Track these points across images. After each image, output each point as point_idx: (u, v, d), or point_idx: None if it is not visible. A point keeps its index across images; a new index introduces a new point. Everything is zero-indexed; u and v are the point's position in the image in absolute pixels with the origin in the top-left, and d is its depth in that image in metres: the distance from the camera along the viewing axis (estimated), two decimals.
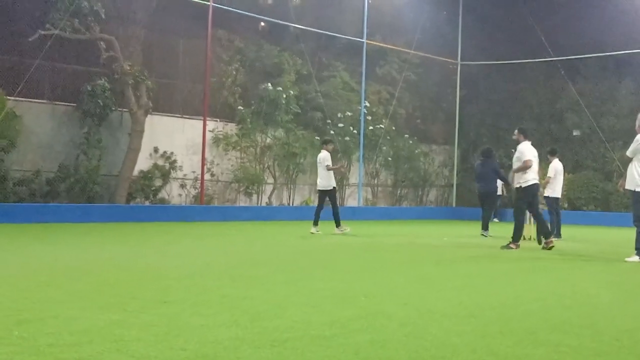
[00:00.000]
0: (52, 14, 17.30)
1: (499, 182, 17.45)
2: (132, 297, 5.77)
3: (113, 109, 18.48)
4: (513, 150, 13.76)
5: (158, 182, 19.73)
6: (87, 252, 9.70)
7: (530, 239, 14.39)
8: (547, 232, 12.16)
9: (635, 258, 9.95)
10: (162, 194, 19.82)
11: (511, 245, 11.87)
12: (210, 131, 20.67)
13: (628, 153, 10.18)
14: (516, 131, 12.44)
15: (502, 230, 15.86)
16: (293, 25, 22.64)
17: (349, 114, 23.93)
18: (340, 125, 23.52)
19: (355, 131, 23.84)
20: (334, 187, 15.21)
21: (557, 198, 15.44)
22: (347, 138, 23.74)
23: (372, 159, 25.23)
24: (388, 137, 25.41)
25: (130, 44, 19.25)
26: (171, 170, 20.04)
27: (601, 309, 5.95)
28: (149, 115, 19.12)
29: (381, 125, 24.94)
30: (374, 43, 24.73)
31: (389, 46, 25.68)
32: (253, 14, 21.74)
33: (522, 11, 25.69)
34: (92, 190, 17.91)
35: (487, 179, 15.72)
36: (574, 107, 25.36)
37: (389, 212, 24.64)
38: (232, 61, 21.77)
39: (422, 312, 5.48)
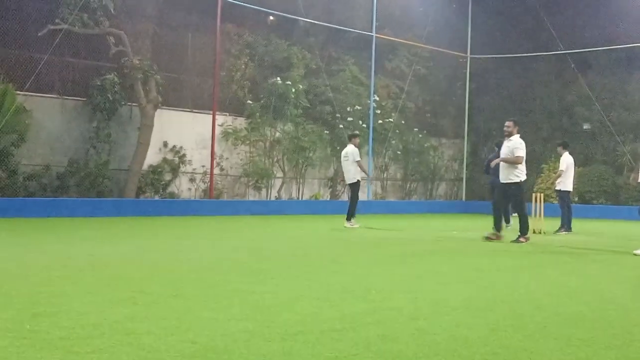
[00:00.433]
0: (62, 9, 17.33)
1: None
2: (142, 291, 5.78)
3: (122, 103, 18.51)
4: (500, 140, 13.63)
5: (167, 177, 19.76)
6: (98, 247, 9.72)
7: (540, 232, 14.37)
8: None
9: None
10: (172, 188, 19.85)
11: (521, 239, 11.90)
12: (219, 125, 20.68)
13: None
14: (511, 123, 12.15)
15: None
16: (302, 19, 22.61)
17: (358, 107, 23.90)
18: (350, 119, 23.49)
19: (364, 125, 23.81)
20: (358, 181, 15.41)
21: (569, 191, 15.45)
22: (356, 132, 23.68)
23: (381, 152, 25.20)
24: (397, 131, 25.37)
25: (140, 38, 19.27)
26: (180, 165, 20.06)
27: (612, 302, 5.93)
28: (158, 110, 19.14)
29: (390, 119, 24.90)
30: (383, 37, 24.67)
31: (398, 40, 25.60)
32: (262, 8, 21.71)
33: (532, 4, 25.59)
34: (102, 185, 17.96)
35: None
36: (584, 100, 25.23)
37: (399, 206, 24.61)
38: (241, 55, 21.75)
39: (432, 306, 5.47)
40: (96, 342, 3.98)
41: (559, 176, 15.21)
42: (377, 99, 24.55)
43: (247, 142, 21.56)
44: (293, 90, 21.92)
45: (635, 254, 9.92)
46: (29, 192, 16.86)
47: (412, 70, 25.90)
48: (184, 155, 20.14)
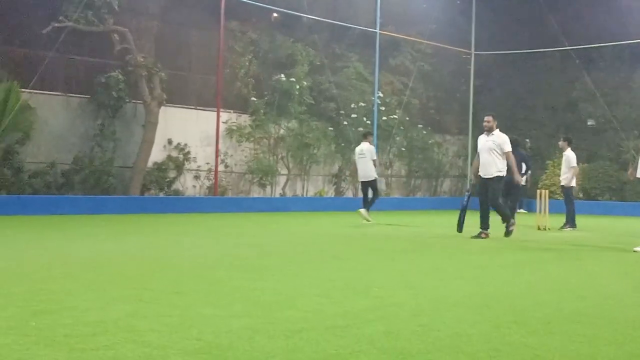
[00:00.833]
0: (66, 6, 17.36)
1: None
2: (145, 288, 5.80)
3: (127, 100, 18.54)
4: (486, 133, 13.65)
5: (172, 174, 19.78)
6: (102, 244, 9.76)
7: (545, 228, 14.37)
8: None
9: None
10: (176, 185, 19.88)
11: (511, 228, 12.18)
12: (223, 122, 20.70)
13: None
14: (490, 117, 12.58)
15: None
16: (306, 15, 22.58)
17: (363, 104, 23.88)
18: (354, 115, 23.48)
19: (368, 122, 23.78)
20: (375, 178, 15.89)
21: (573, 187, 15.52)
22: (360, 129, 23.63)
23: (385, 149, 25.17)
24: (401, 128, 25.34)
25: (144, 35, 19.28)
26: (185, 162, 20.07)
27: (615, 298, 5.93)
28: (162, 107, 19.16)
29: (395, 116, 24.88)
30: (387, 33, 24.63)
31: (402, 36, 25.57)
32: (266, 5, 21.70)
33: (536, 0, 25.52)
34: (107, 182, 17.99)
35: None
36: (588, 96, 25.15)
37: (403, 203, 24.60)
38: (245, 52, 21.75)
39: (435, 302, 5.48)
40: (100, 339, 4.00)
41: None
42: (381, 95, 24.52)
43: (252, 139, 21.56)
44: (297, 87, 21.91)
45: (635, 251, 9.91)
46: (34, 189, 16.90)
47: (416, 67, 25.86)
48: (189, 152, 20.15)
